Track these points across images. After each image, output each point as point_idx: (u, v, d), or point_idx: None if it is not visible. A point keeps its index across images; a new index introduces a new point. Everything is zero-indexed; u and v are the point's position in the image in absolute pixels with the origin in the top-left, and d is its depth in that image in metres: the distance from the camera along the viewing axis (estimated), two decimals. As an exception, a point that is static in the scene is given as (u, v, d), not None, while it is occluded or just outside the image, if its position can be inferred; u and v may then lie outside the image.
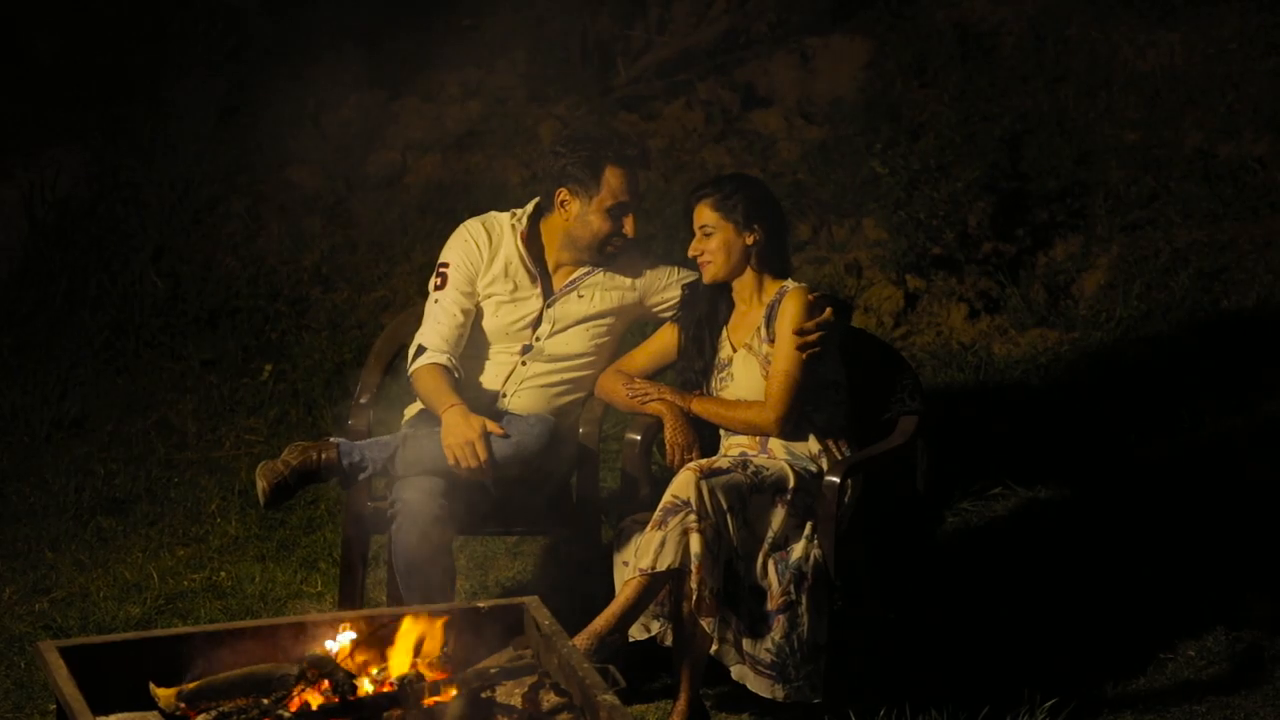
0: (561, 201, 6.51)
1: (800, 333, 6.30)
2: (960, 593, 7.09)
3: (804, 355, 6.32)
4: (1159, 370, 8.43)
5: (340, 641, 5.55)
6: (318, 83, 10.00)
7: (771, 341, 6.38)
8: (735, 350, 6.48)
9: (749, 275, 6.46)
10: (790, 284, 6.41)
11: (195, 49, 10.14)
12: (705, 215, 6.43)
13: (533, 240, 6.60)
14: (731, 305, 6.53)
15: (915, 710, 6.27)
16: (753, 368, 6.43)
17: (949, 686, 6.48)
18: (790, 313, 6.33)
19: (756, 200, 6.43)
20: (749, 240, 6.41)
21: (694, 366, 6.54)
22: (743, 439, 6.44)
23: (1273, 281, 8.74)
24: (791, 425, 6.37)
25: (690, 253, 6.47)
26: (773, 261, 6.45)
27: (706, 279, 6.46)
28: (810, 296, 6.36)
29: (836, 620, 6.28)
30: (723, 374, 6.50)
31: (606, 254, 6.56)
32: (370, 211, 9.44)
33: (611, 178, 6.46)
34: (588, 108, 9.73)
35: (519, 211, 6.64)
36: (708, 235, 6.42)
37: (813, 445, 6.38)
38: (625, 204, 6.48)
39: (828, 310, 6.35)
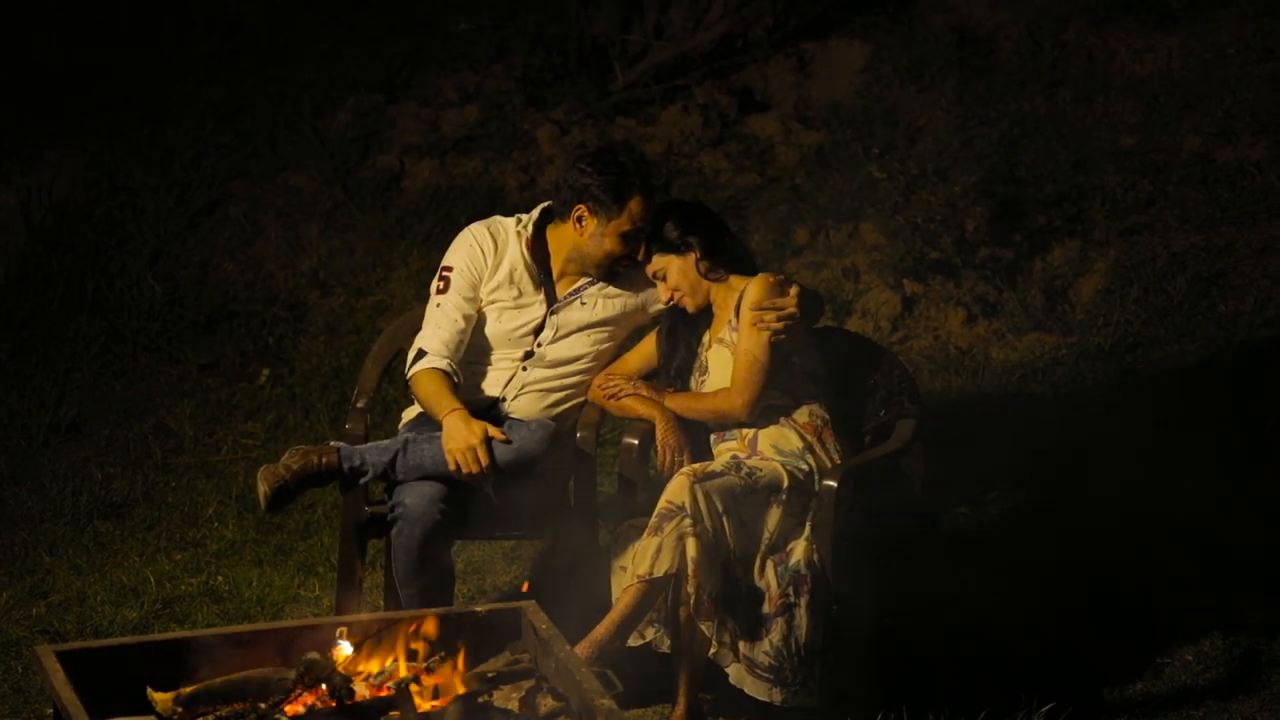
0: (578, 217, 6.49)
1: (758, 309, 6.32)
2: (957, 597, 7.09)
3: (766, 334, 6.33)
4: (1156, 374, 8.43)
5: (337, 646, 5.55)
6: (314, 87, 10.00)
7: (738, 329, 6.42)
8: (710, 347, 6.50)
9: (716, 286, 6.48)
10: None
11: (192, 53, 10.14)
12: (650, 263, 6.48)
13: (538, 246, 6.58)
14: (713, 316, 6.55)
15: (912, 715, 6.26)
16: (724, 358, 6.45)
17: (946, 691, 6.48)
18: (750, 294, 6.36)
19: (677, 218, 6.48)
20: (695, 256, 6.44)
21: (668, 370, 6.57)
22: (732, 444, 6.44)
23: (1270, 286, 8.74)
24: (760, 409, 6.39)
25: (663, 301, 6.51)
26: (726, 262, 6.48)
27: (691, 311, 6.49)
28: (772, 280, 6.38)
29: (834, 624, 6.27)
30: (702, 376, 6.52)
31: (612, 272, 6.56)
32: (367, 216, 9.44)
33: (634, 205, 6.44)
34: (585, 112, 9.73)
35: (524, 218, 6.62)
36: (664, 277, 6.48)
37: (796, 441, 6.38)
38: (642, 230, 6.48)
39: (792, 291, 6.36)
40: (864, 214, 9.16)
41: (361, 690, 5.44)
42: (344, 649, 5.55)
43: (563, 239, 6.56)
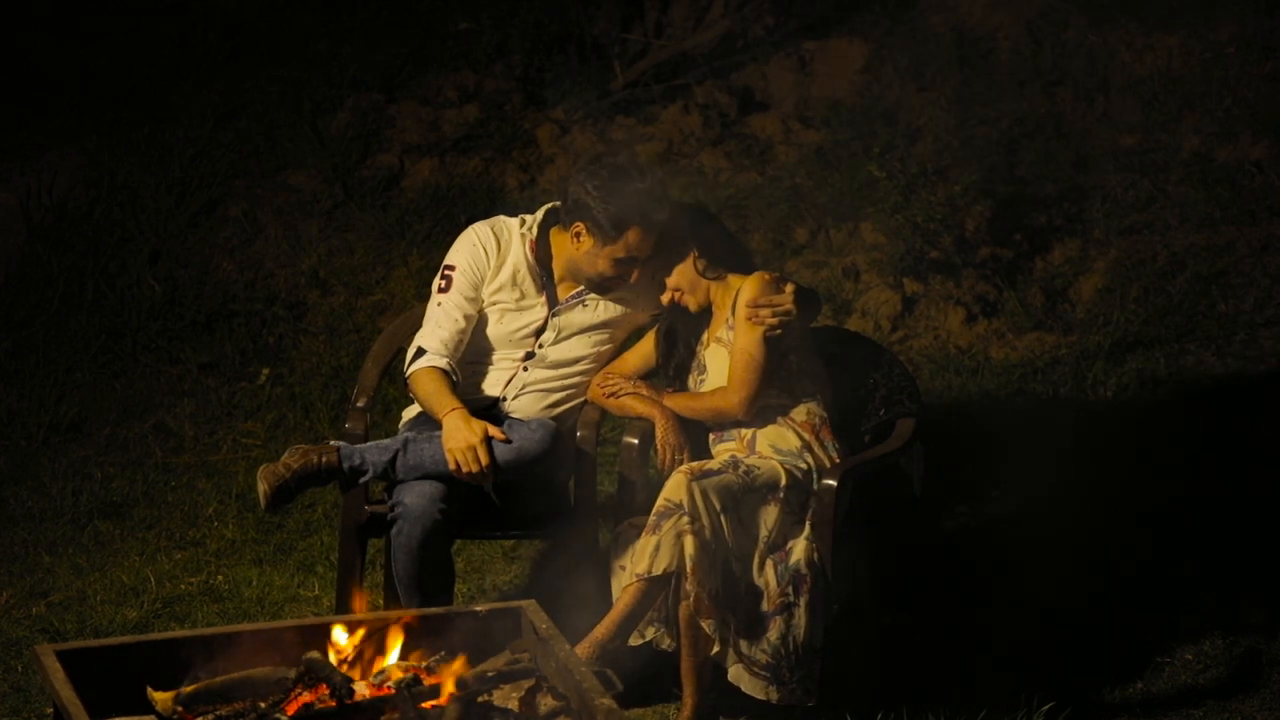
0: (576, 233, 6.47)
1: (753, 306, 6.32)
2: (957, 596, 7.09)
3: (761, 332, 6.32)
4: (1155, 374, 8.43)
5: (337, 645, 5.55)
6: (314, 86, 10.00)
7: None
8: (708, 346, 6.50)
9: (715, 285, 6.48)
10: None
11: (192, 52, 10.14)
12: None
13: (541, 248, 6.57)
14: (711, 315, 6.55)
15: (912, 714, 6.27)
16: (721, 356, 6.45)
17: (945, 690, 6.48)
18: (745, 292, 6.36)
19: (676, 219, 6.46)
20: (694, 255, 6.44)
21: (667, 369, 6.57)
22: (730, 444, 6.44)
23: (1270, 285, 8.74)
24: (757, 408, 6.38)
25: (664, 303, 6.50)
26: (724, 260, 6.48)
27: (694, 310, 6.49)
28: (768, 277, 6.38)
29: (833, 623, 6.27)
30: (701, 375, 6.52)
31: (603, 289, 6.54)
32: (367, 215, 9.44)
33: (632, 236, 6.42)
34: (585, 111, 9.73)
35: (528, 219, 6.61)
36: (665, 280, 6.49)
37: (794, 440, 6.38)
38: (637, 259, 6.46)
39: (787, 289, 6.36)
40: (864, 213, 9.16)
41: (361, 690, 5.44)
42: (344, 648, 5.55)
43: (564, 244, 6.55)
